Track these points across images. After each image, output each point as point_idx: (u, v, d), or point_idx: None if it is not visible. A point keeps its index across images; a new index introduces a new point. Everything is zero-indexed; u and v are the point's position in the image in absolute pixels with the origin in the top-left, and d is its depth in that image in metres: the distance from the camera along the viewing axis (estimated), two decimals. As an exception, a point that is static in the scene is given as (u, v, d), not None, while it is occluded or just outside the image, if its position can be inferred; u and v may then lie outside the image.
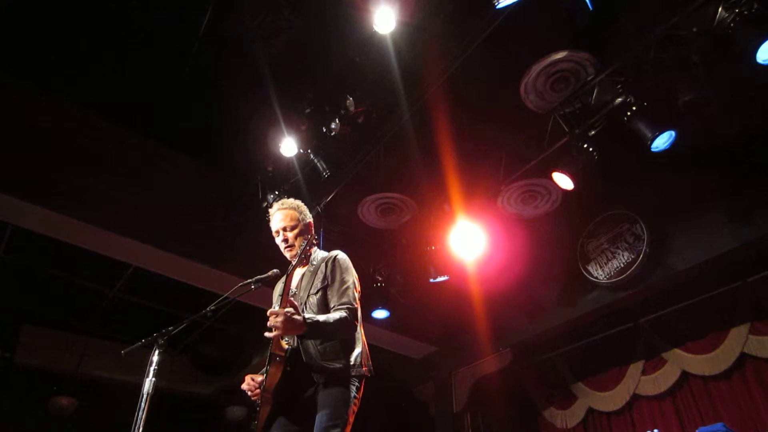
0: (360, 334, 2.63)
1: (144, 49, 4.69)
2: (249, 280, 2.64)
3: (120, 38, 4.61)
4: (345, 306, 2.49)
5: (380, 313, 6.33)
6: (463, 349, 7.27)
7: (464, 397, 7.12)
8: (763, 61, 3.64)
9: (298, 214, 2.81)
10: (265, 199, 5.44)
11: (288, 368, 2.41)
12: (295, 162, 5.11)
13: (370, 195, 5.50)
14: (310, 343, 2.47)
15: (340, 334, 2.47)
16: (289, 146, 4.91)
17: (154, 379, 2.27)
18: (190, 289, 5.97)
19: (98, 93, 5.05)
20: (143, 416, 2.18)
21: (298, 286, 2.71)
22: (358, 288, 2.68)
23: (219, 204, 5.83)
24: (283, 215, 2.80)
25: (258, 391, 2.47)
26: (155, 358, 2.32)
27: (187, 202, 5.63)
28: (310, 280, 2.66)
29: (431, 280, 5.98)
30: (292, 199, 2.93)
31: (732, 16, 3.65)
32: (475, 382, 7.09)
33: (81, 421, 7.64)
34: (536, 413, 7.05)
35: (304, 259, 2.75)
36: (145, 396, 2.22)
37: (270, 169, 5.40)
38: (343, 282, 2.59)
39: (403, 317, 6.74)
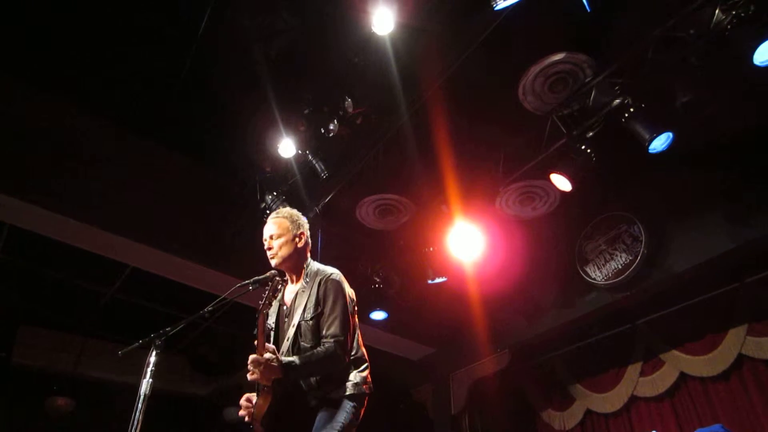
0: (359, 352, 2.63)
1: (142, 50, 4.69)
2: (247, 281, 2.64)
3: (119, 38, 4.60)
4: (332, 339, 2.46)
5: (378, 315, 6.33)
6: (461, 351, 7.27)
7: (462, 398, 7.12)
8: (760, 62, 3.65)
9: (289, 224, 2.77)
10: (263, 200, 5.43)
11: (277, 398, 2.38)
12: (294, 163, 5.11)
13: (368, 196, 5.50)
14: None
15: (326, 369, 2.46)
16: (287, 147, 4.91)
17: (151, 379, 2.27)
18: (187, 289, 5.96)
19: (97, 93, 5.05)
20: (140, 417, 2.18)
21: (291, 305, 2.70)
22: (352, 311, 2.65)
23: (217, 205, 5.83)
24: (273, 223, 2.78)
25: (249, 411, 2.46)
26: (152, 358, 2.32)
27: (185, 202, 5.62)
28: (303, 302, 2.63)
29: (429, 282, 5.97)
30: (288, 209, 2.91)
31: (729, 18, 3.66)
32: (473, 384, 7.09)
33: (78, 422, 7.62)
34: (534, 414, 7.05)
35: (295, 274, 2.76)
36: (142, 397, 2.22)
37: (268, 169, 5.39)
38: (332, 310, 2.54)
39: (401, 318, 6.73)
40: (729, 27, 3.67)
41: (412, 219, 5.86)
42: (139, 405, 2.20)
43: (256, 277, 2.63)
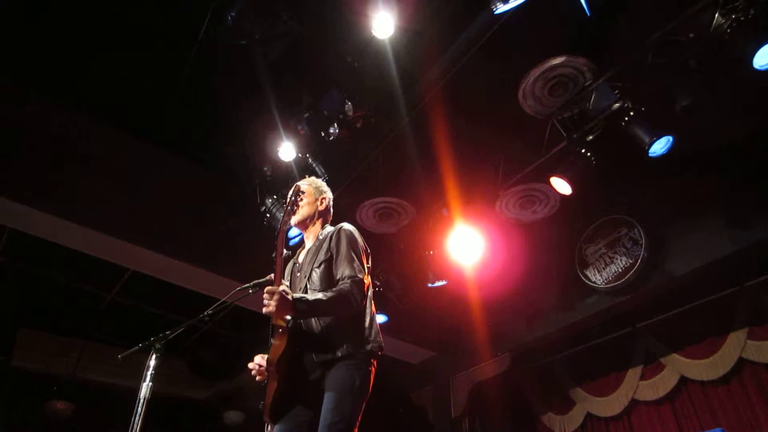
0: (369, 308, 2.52)
1: (143, 53, 4.70)
2: (247, 285, 2.62)
3: (119, 41, 4.61)
4: (349, 279, 2.37)
5: (378, 318, 6.31)
6: (461, 354, 7.26)
7: (462, 402, 7.11)
8: (760, 66, 3.65)
9: (312, 188, 2.82)
10: (263, 203, 5.44)
11: (291, 340, 2.28)
12: (294, 166, 5.12)
13: (368, 199, 5.49)
14: (312, 318, 2.39)
15: (341, 310, 2.33)
16: (287, 150, 4.92)
17: (151, 383, 2.26)
18: (187, 293, 5.95)
19: (97, 96, 5.06)
20: (140, 421, 2.17)
21: (303, 262, 2.67)
22: (368, 259, 2.60)
23: (217, 208, 5.83)
24: (299, 186, 2.81)
25: (262, 370, 2.39)
26: (152, 362, 2.31)
27: (185, 205, 5.62)
28: (315, 254, 2.60)
29: (429, 285, 5.97)
30: (313, 178, 2.96)
31: (728, 22, 3.67)
32: (474, 387, 7.07)
33: (77, 426, 7.60)
34: (535, 418, 7.03)
35: (312, 235, 2.73)
36: (141, 400, 2.21)
37: (268, 173, 5.40)
38: (346, 254, 2.48)
39: (401, 322, 6.72)
40: (729, 30, 3.68)
41: (413, 222, 5.86)
42: (139, 409, 2.19)
43: (257, 281, 2.61)
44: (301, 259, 2.73)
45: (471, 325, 6.91)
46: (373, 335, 2.45)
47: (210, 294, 5.79)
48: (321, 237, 2.68)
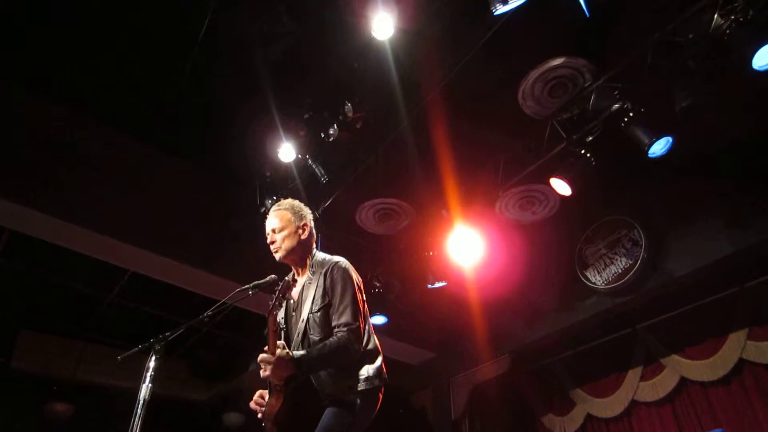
0: (372, 341, 2.54)
1: (143, 54, 4.71)
2: (247, 286, 2.61)
3: (119, 42, 4.62)
4: (345, 327, 2.37)
5: (378, 319, 6.31)
6: (461, 355, 7.25)
7: (462, 403, 7.10)
8: (759, 67, 3.65)
9: (291, 216, 2.68)
10: (263, 204, 5.44)
11: (290, 393, 2.32)
12: (294, 167, 5.12)
13: (368, 200, 5.49)
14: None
15: (340, 361, 2.37)
16: (287, 151, 4.92)
17: (150, 384, 2.25)
18: (187, 294, 5.95)
19: (97, 97, 5.06)
20: (139, 422, 2.17)
21: (298, 299, 2.63)
22: (362, 297, 2.57)
23: (217, 209, 5.82)
24: (274, 216, 2.70)
25: (260, 411, 2.42)
26: (152, 363, 2.31)
27: (185, 207, 5.62)
28: (311, 295, 2.55)
29: (429, 286, 5.96)
30: (289, 200, 2.81)
31: (728, 22, 3.66)
32: (474, 388, 7.07)
33: (77, 427, 7.60)
34: (535, 419, 7.03)
35: (300, 267, 2.69)
36: (141, 402, 2.21)
37: (268, 174, 5.40)
38: (342, 299, 2.46)
39: (400, 323, 6.72)
40: (728, 31, 3.67)
41: (412, 223, 5.85)
42: (139, 410, 2.19)
43: (256, 282, 2.61)
44: (294, 293, 2.67)
45: (471, 327, 6.90)
46: (375, 372, 2.45)
47: (210, 295, 5.78)
48: (313, 269, 2.62)
